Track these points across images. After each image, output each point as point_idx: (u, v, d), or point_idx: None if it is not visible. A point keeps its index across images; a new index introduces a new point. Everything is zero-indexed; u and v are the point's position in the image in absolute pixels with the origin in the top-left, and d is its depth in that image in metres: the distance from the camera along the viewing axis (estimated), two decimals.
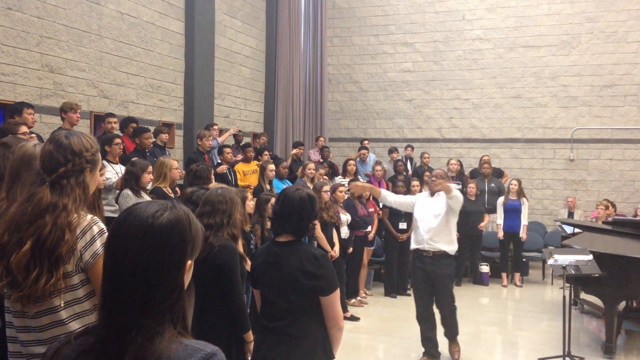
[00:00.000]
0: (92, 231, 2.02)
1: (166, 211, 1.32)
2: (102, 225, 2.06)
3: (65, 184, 2.01)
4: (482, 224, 9.31)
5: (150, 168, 5.44)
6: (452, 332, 5.77)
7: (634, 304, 7.30)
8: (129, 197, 5.16)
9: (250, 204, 5.21)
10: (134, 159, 5.73)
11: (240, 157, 8.71)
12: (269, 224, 5.58)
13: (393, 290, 8.52)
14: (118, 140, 6.33)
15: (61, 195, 1.99)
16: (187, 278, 1.36)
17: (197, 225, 1.38)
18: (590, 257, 5.53)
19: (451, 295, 5.64)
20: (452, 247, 5.50)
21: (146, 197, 5.26)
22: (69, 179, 2.02)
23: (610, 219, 8.72)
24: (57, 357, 1.31)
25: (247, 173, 8.38)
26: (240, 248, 3.83)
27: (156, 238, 1.28)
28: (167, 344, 1.24)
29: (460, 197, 5.45)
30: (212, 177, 6.11)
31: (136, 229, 1.28)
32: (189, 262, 1.34)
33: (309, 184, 7.81)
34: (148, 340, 1.23)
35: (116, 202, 5.49)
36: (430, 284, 5.53)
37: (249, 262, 3.94)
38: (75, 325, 2.01)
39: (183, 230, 1.32)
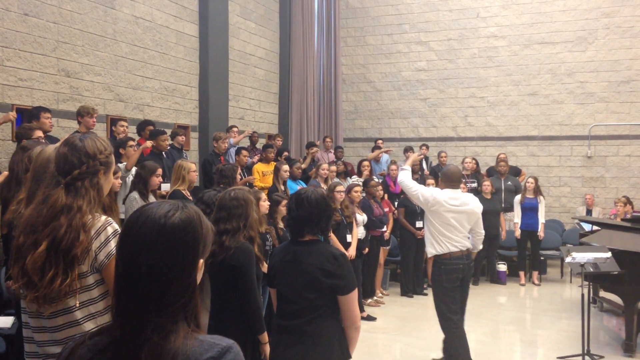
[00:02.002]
0: (106, 232, 2.04)
1: (178, 211, 1.33)
2: (117, 226, 2.08)
3: (80, 186, 2.04)
4: (502, 233, 9.26)
5: (159, 171, 5.50)
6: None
7: None
8: (135, 201, 5.23)
9: (265, 204, 5.22)
10: (144, 162, 5.79)
11: (256, 158, 8.72)
12: (281, 224, 5.61)
13: (409, 289, 8.48)
14: (132, 143, 6.41)
15: (76, 197, 2.01)
16: (199, 277, 1.37)
17: (207, 224, 1.39)
18: (609, 254, 5.46)
19: (439, 309, 4.97)
20: (430, 249, 5.01)
21: (153, 200, 5.30)
22: (83, 181, 2.05)
23: (629, 216, 8.62)
24: (73, 357, 1.32)
25: (267, 174, 8.41)
26: (256, 249, 3.84)
27: (169, 238, 1.29)
28: (183, 340, 1.25)
29: (408, 185, 4.99)
30: (238, 177, 6.19)
31: (149, 229, 1.29)
32: (201, 260, 1.35)
33: (322, 185, 7.83)
34: (164, 339, 1.24)
35: (122, 203, 5.54)
36: None
37: (265, 264, 3.95)
38: (89, 326, 2.03)
39: (195, 229, 1.33)
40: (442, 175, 5.19)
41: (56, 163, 2.07)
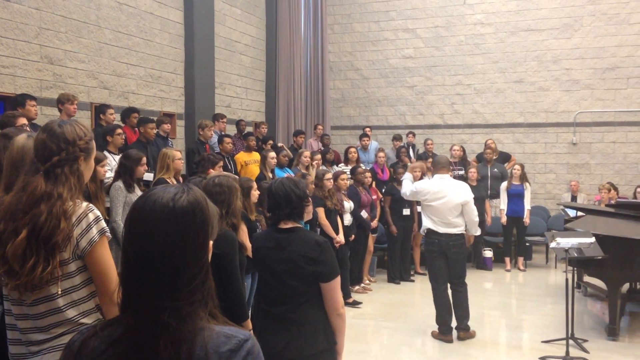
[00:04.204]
0: (87, 218, 2.02)
1: (184, 193, 1.32)
2: (98, 213, 2.06)
3: (60, 173, 2.01)
4: (487, 219, 9.32)
5: (144, 159, 5.44)
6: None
7: (637, 286, 7.31)
8: (120, 190, 5.18)
9: (255, 193, 5.21)
10: (128, 151, 5.71)
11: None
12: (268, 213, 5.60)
13: (396, 276, 8.53)
14: (120, 131, 6.36)
15: (55, 184, 1.99)
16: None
17: (213, 206, 1.40)
18: (593, 239, 5.51)
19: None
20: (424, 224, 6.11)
21: (139, 191, 5.28)
22: (63, 167, 2.02)
23: (613, 202, 8.70)
24: (85, 350, 1.29)
25: (249, 163, 8.37)
26: (242, 236, 3.83)
27: (179, 220, 1.28)
28: (200, 330, 1.25)
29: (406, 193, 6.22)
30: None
31: (158, 213, 1.28)
32: (210, 242, 1.36)
33: (304, 172, 7.84)
34: (181, 323, 1.23)
35: (107, 193, 5.47)
36: None
37: (248, 247, 3.93)
38: (72, 313, 2.02)
39: (203, 210, 1.33)
40: (432, 164, 6.14)
41: (35, 150, 2.04)
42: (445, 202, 5.74)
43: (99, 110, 7.11)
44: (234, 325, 1.33)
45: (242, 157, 8.44)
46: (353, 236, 7.56)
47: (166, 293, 1.25)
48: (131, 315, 1.26)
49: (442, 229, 5.77)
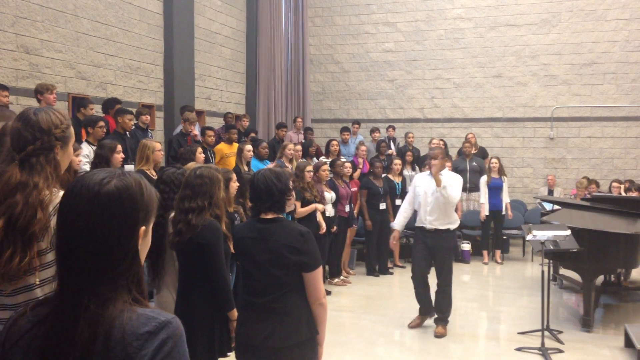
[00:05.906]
0: None
1: (114, 178, 1.30)
2: None
3: (35, 162, 1.98)
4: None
5: (119, 147, 5.39)
6: (443, 309, 5.98)
7: (612, 278, 7.45)
8: None
9: (235, 185, 5.19)
10: (103, 141, 5.66)
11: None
12: (249, 204, 5.58)
13: (375, 269, 8.57)
14: (102, 123, 6.29)
15: (31, 174, 1.96)
16: (145, 244, 1.36)
17: (150, 191, 1.36)
18: (569, 232, 5.60)
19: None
20: (453, 225, 5.93)
21: None
22: (38, 157, 2.00)
23: (588, 196, 8.84)
24: (14, 328, 1.31)
25: (229, 155, 8.31)
26: (224, 227, 3.82)
27: (103, 205, 1.26)
28: (120, 312, 1.24)
29: (451, 195, 5.72)
30: (202, 156, 6.15)
31: (83, 197, 1.27)
32: (143, 228, 1.33)
33: (287, 164, 7.82)
34: (101, 307, 1.23)
35: None
36: (430, 255, 5.98)
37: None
38: None
39: (132, 196, 1.30)
40: (443, 156, 5.95)
41: (11, 138, 2.01)
42: None
43: (80, 103, 7.02)
44: (159, 309, 1.32)
45: (222, 149, 8.38)
46: (335, 227, 7.57)
47: (89, 277, 1.24)
48: (57, 296, 1.27)
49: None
